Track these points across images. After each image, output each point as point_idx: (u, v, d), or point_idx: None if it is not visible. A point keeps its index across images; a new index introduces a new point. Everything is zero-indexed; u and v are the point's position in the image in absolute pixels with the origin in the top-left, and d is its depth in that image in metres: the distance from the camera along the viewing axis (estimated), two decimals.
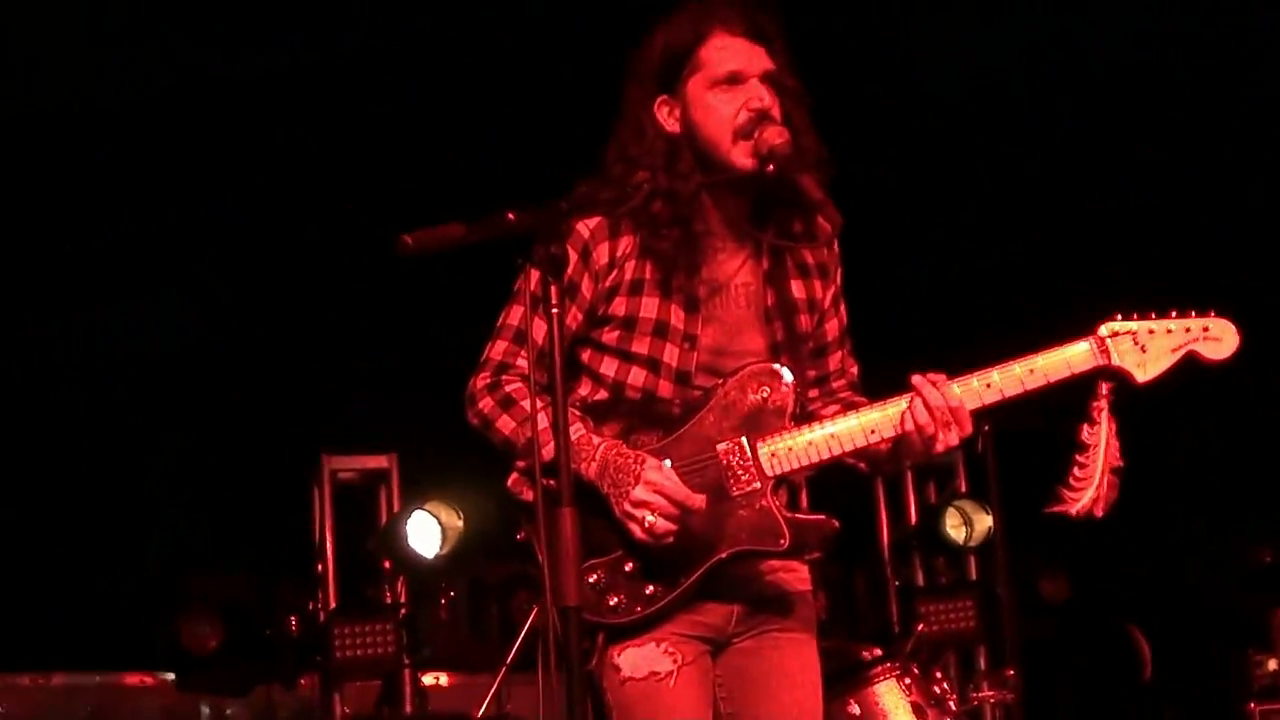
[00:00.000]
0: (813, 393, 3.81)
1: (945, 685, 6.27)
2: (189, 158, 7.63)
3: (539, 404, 3.25)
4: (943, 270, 8.17)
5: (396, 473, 7.38)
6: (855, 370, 3.89)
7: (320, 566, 7.21)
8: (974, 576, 8.24)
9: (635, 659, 3.53)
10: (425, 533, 7.16)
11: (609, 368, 3.63)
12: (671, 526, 3.43)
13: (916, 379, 3.53)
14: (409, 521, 7.12)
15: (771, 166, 3.53)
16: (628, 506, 3.43)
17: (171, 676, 7.18)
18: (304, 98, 7.63)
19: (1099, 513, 3.58)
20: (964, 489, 8.25)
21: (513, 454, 3.56)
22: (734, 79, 3.57)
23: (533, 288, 3.20)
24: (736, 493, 3.52)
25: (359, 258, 7.11)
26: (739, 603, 3.63)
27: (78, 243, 7.66)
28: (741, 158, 3.56)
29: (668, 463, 3.50)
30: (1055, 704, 7.88)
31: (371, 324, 7.79)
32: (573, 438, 3.44)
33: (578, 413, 3.57)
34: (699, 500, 3.45)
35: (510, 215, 3.09)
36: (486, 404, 3.59)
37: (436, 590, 7.59)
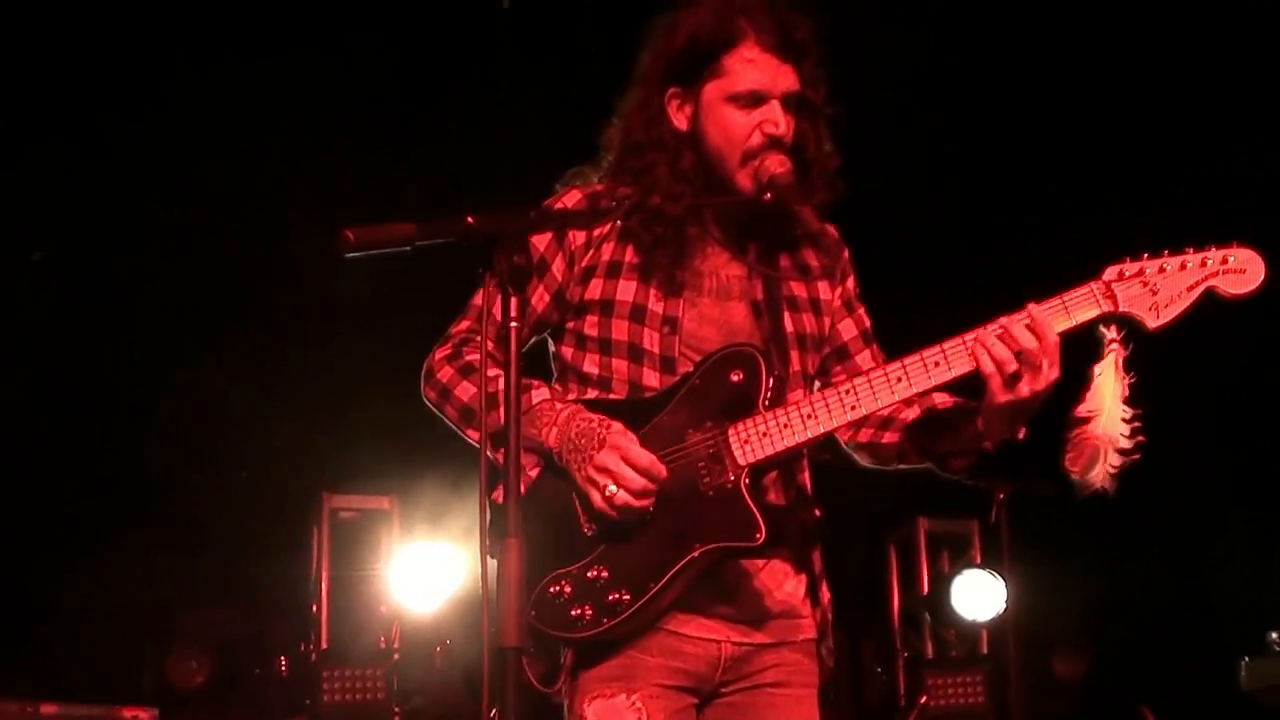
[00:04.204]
0: None
1: None
2: None
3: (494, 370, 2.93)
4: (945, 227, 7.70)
5: (397, 514, 7.29)
6: None
7: (314, 607, 7.10)
8: (985, 650, 8.07)
9: (602, 712, 3.19)
10: (424, 580, 7.07)
11: (592, 365, 3.36)
12: (634, 502, 3.11)
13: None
14: (412, 567, 7.04)
15: (769, 195, 3.32)
16: (590, 471, 3.12)
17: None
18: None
19: (1104, 483, 3.16)
20: (978, 559, 8.09)
21: (469, 424, 3.26)
22: (755, 98, 3.33)
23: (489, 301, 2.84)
24: (709, 485, 3.19)
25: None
26: (729, 644, 3.29)
27: None
28: (745, 180, 3.34)
29: None
30: None
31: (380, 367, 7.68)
32: (534, 402, 3.21)
33: (542, 382, 3.32)
34: (663, 469, 3.13)
35: (469, 218, 2.76)
36: (446, 373, 3.32)
37: (432, 638, 7.46)
